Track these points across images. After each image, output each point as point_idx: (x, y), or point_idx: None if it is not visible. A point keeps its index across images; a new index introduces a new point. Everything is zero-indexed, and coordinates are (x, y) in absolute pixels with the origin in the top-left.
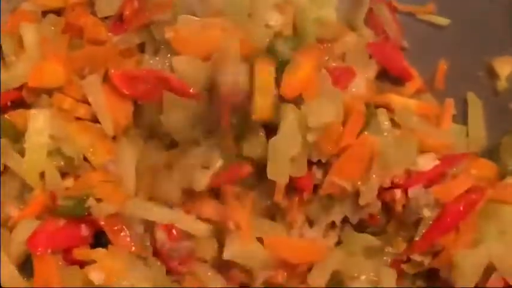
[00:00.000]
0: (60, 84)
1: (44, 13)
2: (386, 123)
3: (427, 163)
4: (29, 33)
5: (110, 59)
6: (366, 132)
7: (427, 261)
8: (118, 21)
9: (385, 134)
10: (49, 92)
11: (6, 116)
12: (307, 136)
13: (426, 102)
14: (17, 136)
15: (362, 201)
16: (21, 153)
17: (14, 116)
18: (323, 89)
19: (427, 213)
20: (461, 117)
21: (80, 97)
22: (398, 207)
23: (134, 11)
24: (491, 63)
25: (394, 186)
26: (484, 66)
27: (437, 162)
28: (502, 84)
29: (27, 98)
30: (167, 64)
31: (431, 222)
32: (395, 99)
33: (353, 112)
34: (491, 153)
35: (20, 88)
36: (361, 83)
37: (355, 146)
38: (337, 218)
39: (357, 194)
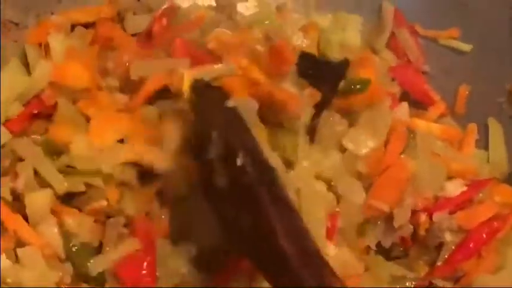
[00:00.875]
0: (84, 86)
1: (73, 28)
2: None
3: (455, 189)
4: (57, 42)
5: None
6: (402, 156)
7: (448, 286)
8: (146, 37)
9: (421, 158)
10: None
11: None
12: (358, 166)
13: (449, 127)
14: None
15: (396, 224)
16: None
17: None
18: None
19: (449, 237)
20: (483, 142)
21: (106, 103)
22: (422, 231)
23: (163, 28)
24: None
25: (420, 210)
26: (505, 92)
27: (464, 188)
28: None
29: (48, 100)
30: None
31: (453, 247)
32: (419, 123)
33: (394, 135)
34: None
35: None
36: (406, 108)
37: (393, 169)
38: (372, 242)
39: (389, 217)
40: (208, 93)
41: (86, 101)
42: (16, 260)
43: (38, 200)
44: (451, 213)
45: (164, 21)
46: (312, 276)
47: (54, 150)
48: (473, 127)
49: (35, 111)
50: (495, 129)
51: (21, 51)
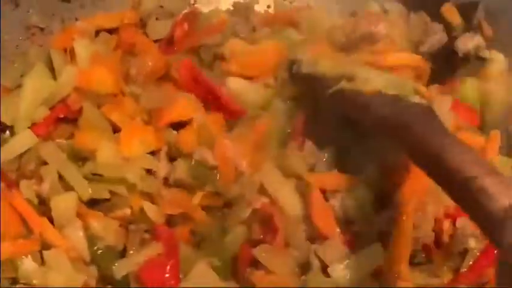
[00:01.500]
0: (108, 91)
1: (97, 33)
2: None
3: None
4: (82, 48)
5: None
6: None
7: None
8: (169, 43)
9: None
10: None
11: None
12: None
13: (471, 134)
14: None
15: (420, 233)
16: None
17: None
18: None
19: (473, 243)
20: (506, 149)
21: (131, 109)
22: (445, 238)
23: (184, 33)
24: None
25: (442, 216)
26: None
27: None
28: None
29: (73, 104)
30: None
31: (478, 253)
32: None
33: None
34: None
35: (65, 104)
36: None
37: (413, 177)
38: None
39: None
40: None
41: (111, 106)
42: (42, 262)
43: (64, 203)
44: None
45: (186, 26)
46: None
47: (80, 156)
48: (496, 134)
49: (61, 116)
50: None
51: (47, 56)
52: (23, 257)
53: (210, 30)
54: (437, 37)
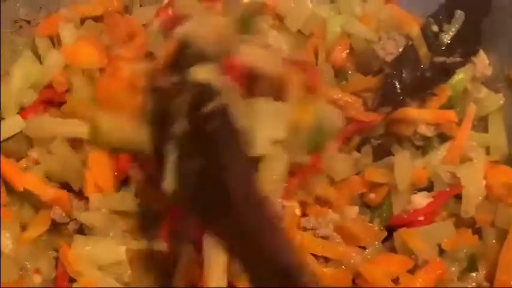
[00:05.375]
0: (96, 66)
1: (82, 21)
2: None
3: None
4: (67, 32)
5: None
6: None
7: None
8: None
9: None
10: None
11: None
12: None
13: (442, 111)
14: None
15: None
16: None
17: None
18: None
19: None
20: (483, 126)
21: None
22: None
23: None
24: (510, 74)
25: None
26: (503, 77)
27: (430, 199)
28: None
29: (59, 87)
30: None
31: None
32: (411, 112)
33: None
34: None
35: (51, 88)
36: None
37: None
38: None
39: None
40: None
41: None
42: None
43: None
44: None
45: (170, 11)
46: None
47: None
48: (472, 108)
49: (47, 99)
50: (494, 114)
51: (33, 44)
52: None
53: None
54: (392, 43)
